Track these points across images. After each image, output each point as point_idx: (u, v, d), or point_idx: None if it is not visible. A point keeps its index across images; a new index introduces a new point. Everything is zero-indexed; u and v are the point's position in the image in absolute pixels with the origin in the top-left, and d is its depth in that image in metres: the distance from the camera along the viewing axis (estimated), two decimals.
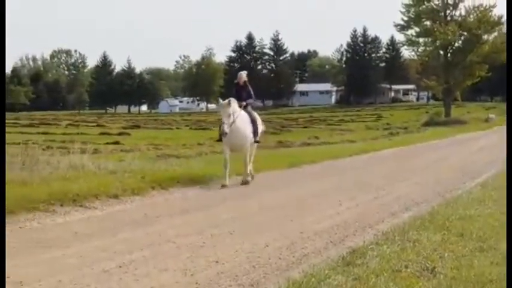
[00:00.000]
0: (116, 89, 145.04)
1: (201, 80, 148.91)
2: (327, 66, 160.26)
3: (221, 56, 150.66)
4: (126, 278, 8.41)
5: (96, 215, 13.17)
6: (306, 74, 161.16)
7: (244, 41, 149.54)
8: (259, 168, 21.43)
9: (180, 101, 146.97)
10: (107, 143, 39.46)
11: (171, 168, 18.83)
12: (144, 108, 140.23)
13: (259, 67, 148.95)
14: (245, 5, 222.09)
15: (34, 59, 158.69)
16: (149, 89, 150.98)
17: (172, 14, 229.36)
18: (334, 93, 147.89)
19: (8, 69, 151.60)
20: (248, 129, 15.93)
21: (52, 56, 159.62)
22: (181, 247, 10.65)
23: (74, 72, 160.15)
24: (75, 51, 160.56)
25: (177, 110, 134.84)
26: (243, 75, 17.17)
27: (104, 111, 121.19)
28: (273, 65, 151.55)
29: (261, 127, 17.44)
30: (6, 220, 12.05)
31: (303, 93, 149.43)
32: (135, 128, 61.12)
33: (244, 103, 16.14)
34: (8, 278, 8.00)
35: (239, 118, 15.54)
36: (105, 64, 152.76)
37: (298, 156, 27.29)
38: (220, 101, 15.38)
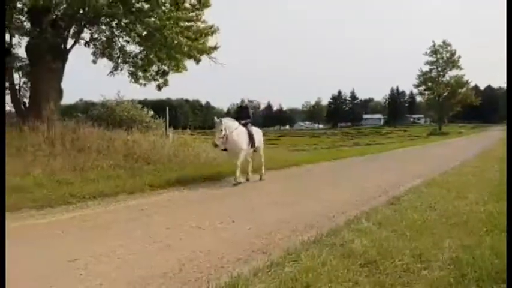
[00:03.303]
0: (273, 117, 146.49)
1: (315, 113, 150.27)
2: (378, 107, 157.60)
3: (325, 101, 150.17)
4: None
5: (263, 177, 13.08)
6: (368, 109, 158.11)
7: (336, 93, 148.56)
8: (344, 156, 21.09)
9: (305, 123, 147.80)
10: (269, 143, 39.57)
11: (294, 155, 18.59)
12: (287, 127, 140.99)
13: (344, 107, 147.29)
14: (337, 74, 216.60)
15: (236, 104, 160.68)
16: (289, 117, 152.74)
17: (302, 77, 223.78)
18: (382, 119, 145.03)
19: (225, 108, 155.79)
20: (242, 141, 11.99)
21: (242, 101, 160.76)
22: (320, 184, 10.45)
23: (252, 110, 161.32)
24: (254, 101, 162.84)
25: (303, 128, 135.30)
26: (245, 100, 13.75)
27: (268, 128, 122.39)
28: (351, 105, 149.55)
29: (258, 140, 12.97)
30: (208, 182, 11.83)
31: (366, 119, 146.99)
32: (282, 136, 60.80)
33: (242, 121, 12.44)
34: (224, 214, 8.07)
35: (235, 132, 11.80)
36: (269, 105, 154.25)
37: (364, 150, 26.64)
38: (216, 119, 11.90)
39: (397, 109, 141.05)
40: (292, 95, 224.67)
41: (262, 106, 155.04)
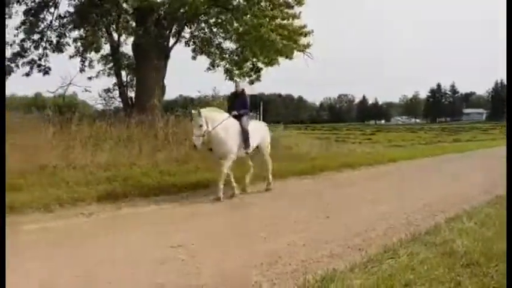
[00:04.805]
0: (368, 112, 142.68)
1: (412, 107, 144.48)
2: (481, 101, 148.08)
3: (423, 95, 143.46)
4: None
5: (358, 173, 12.91)
6: (470, 104, 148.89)
7: (435, 86, 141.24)
8: (443, 152, 20.13)
9: (401, 118, 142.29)
10: (364, 139, 38.79)
11: (390, 151, 18.10)
12: (382, 121, 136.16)
13: (443, 100, 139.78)
14: (436, 67, 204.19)
15: (330, 98, 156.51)
16: (384, 112, 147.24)
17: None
18: (484, 114, 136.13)
19: (318, 102, 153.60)
20: (230, 138, 8.93)
21: (339, 97, 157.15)
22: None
23: (346, 104, 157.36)
24: (348, 94, 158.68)
25: (399, 122, 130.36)
26: (240, 84, 10.16)
27: (363, 123, 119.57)
28: (451, 99, 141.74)
29: (258, 137, 9.77)
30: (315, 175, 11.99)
31: (467, 114, 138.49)
32: (378, 131, 59.23)
33: (235, 112, 9.34)
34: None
35: (221, 127, 8.81)
36: (364, 99, 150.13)
37: (464, 146, 25.34)
38: (193, 111, 8.88)
39: (501, 103, 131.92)
40: (388, 88, 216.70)
41: (357, 100, 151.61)
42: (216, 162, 9.13)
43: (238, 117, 9.33)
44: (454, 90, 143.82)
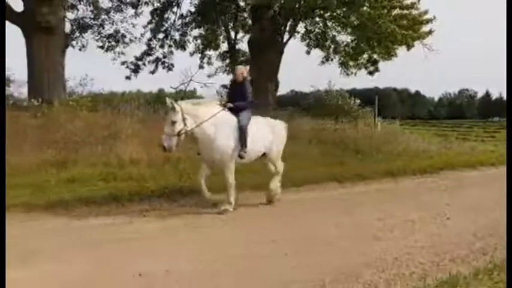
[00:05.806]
0: (491, 108, 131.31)
1: None
2: None
3: None
4: None
5: (480, 173, 12.04)
6: None
7: None
8: None
9: None
10: (487, 136, 36.27)
11: None
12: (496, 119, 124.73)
13: None
14: None
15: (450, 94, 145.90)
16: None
17: None
18: None
19: (437, 97, 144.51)
20: (222, 137, 6.88)
21: (460, 92, 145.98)
22: None
23: (467, 100, 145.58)
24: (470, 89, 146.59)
25: None
26: (242, 69, 7.66)
27: (486, 120, 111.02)
28: None
29: (263, 138, 7.50)
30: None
31: None
32: (503, 129, 54.65)
33: (229, 104, 7.20)
34: None
35: (209, 124, 6.83)
36: (487, 94, 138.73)
37: None
38: (167, 100, 6.73)
39: None
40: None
41: (480, 94, 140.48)
42: (203, 165, 7.26)
43: (236, 112, 7.29)
44: None
